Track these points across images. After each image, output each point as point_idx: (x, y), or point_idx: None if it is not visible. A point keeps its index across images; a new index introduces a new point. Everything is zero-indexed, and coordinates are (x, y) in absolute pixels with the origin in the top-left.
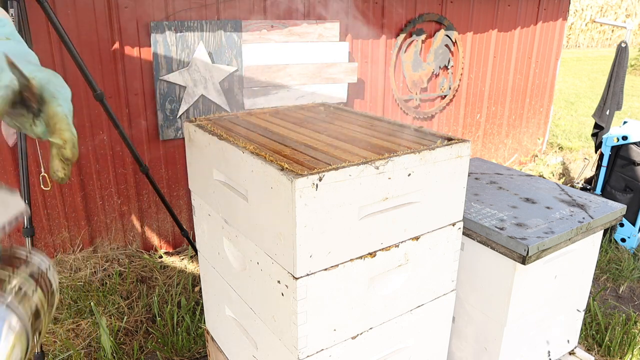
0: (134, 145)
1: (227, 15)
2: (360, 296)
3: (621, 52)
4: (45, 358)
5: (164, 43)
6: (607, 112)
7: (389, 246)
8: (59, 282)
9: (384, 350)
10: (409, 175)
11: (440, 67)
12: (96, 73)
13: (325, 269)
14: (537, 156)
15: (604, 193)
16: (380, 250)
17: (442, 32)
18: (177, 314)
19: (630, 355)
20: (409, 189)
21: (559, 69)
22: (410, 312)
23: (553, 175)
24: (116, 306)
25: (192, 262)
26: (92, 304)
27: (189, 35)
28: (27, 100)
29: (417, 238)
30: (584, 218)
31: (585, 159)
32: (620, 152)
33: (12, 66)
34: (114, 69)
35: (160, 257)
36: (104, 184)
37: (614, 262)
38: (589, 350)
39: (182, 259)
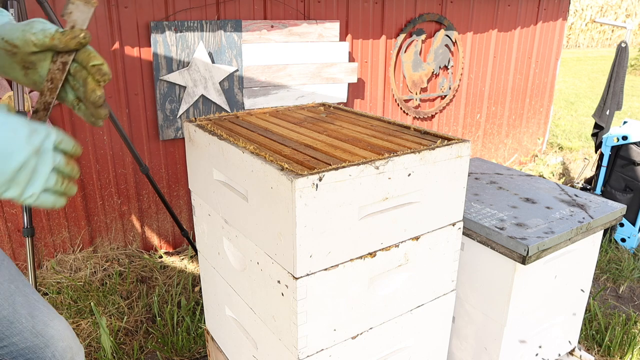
0: (134, 145)
1: (227, 15)
2: (360, 296)
3: (621, 52)
4: None
5: (164, 43)
6: (607, 112)
7: (389, 246)
8: (60, 282)
9: (384, 350)
10: (409, 175)
11: (440, 67)
12: None
13: (325, 269)
14: (537, 156)
15: (604, 193)
16: (380, 250)
17: (442, 32)
18: (177, 314)
19: (630, 355)
20: (409, 189)
21: (559, 69)
22: (410, 312)
23: (553, 175)
24: (116, 306)
25: (192, 262)
26: (92, 304)
27: (189, 35)
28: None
29: (417, 238)
30: (584, 218)
31: (585, 159)
32: (620, 152)
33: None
34: (114, 69)
35: (160, 257)
36: (104, 184)
37: (614, 262)
38: (589, 350)
39: (182, 259)
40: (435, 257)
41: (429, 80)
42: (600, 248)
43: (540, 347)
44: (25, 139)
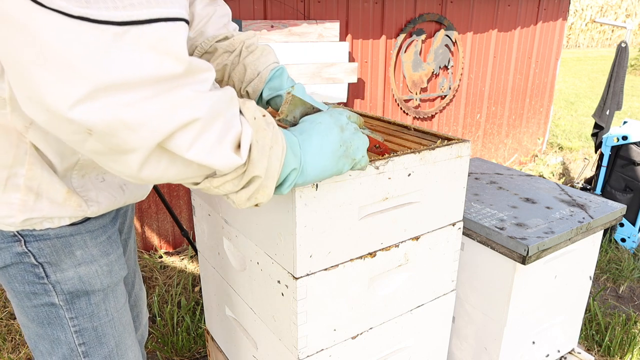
0: None
1: None
2: (360, 296)
3: (621, 52)
4: None
5: None
6: (607, 112)
7: (389, 246)
8: None
9: (384, 350)
10: (409, 175)
11: (440, 67)
12: None
13: (325, 269)
14: (537, 156)
15: (604, 193)
16: (380, 250)
17: (442, 32)
18: (177, 314)
19: (630, 355)
20: (409, 189)
21: (559, 69)
22: (410, 312)
23: (553, 175)
24: None
25: (192, 262)
26: None
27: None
28: None
29: (417, 238)
30: (584, 218)
31: (585, 159)
32: (620, 152)
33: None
34: None
35: (160, 257)
36: None
37: (614, 262)
38: (589, 350)
39: (182, 259)
40: (435, 257)
41: (429, 80)
42: (600, 248)
43: (540, 347)
44: (334, 125)
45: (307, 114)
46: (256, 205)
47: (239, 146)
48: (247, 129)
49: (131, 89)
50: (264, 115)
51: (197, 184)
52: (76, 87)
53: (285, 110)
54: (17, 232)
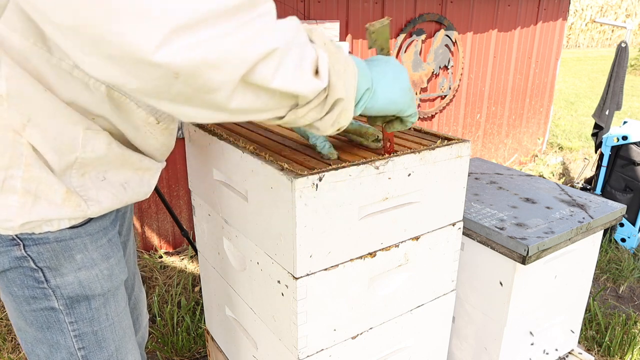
0: None
1: None
2: (360, 296)
3: (621, 52)
4: None
5: None
6: (607, 112)
7: (389, 246)
8: None
9: (384, 350)
10: (409, 175)
11: (440, 67)
12: None
13: (325, 269)
14: (537, 156)
15: (604, 193)
16: (380, 250)
17: (442, 32)
18: (177, 314)
19: (630, 355)
20: (409, 189)
21: (559, 69)
22: (410, 312)
23: (553, 175)
24: None
25: (192, 262)
26: None
27: None
28: None
29: (417, 238)
30: (584, 218)
31: (585, 159)
32: (620, 152)
33: None
34: None
35: (160, 257)
36: None
37: (614, 262)
38: (589, 350)
39: (182, 259)
40: (435, 257)
41: (429, 80)
42: (600, 248)
43: (540, 347)
44: (403, 70)
45: (382, 52)
46: (338, 129)
47: (316, 72)
48: (323, 54)
49: (207, 26)
50: (331, 40)
51: (281, 117)
52: (154, 32)
53: (377, 25)
54: (16, 235)
